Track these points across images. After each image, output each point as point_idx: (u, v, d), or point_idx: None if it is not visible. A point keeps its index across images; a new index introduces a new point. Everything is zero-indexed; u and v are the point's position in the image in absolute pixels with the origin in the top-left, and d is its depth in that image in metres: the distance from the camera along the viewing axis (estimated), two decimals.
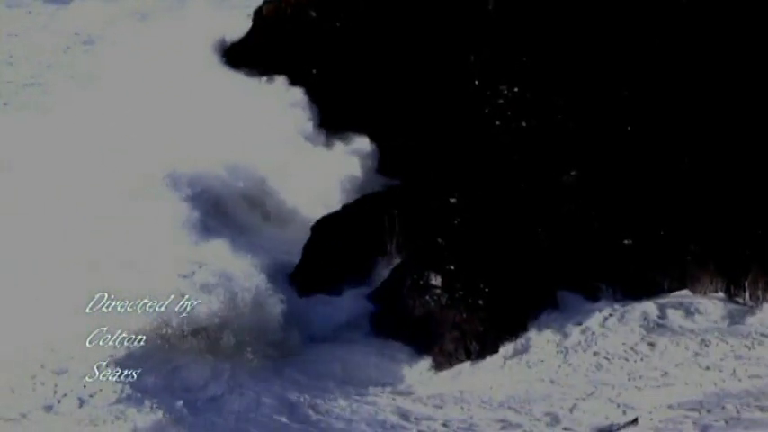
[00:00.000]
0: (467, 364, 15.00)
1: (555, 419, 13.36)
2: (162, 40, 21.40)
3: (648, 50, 17.18)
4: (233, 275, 15.05)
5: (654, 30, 17.28)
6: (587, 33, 17.27)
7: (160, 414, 12.66)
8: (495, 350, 15.11)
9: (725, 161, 16.47)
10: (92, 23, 31.75)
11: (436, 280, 15.67)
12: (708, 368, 14.04)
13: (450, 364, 15.04)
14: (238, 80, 19.53)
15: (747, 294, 15.77)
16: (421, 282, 15.72)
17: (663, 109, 16.81)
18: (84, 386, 13.04)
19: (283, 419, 13.43)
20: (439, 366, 15.03)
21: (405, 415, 13.71)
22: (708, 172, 16.46)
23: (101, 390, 13.04)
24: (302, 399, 13.89)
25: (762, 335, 14.62)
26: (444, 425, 13.43)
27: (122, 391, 12.98)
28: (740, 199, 16.23)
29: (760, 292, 15.78)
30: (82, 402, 12.86)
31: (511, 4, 17.54)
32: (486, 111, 17.39)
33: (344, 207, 17.28)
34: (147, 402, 12.84)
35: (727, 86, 16.73)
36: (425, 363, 15.12)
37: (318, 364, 14.83)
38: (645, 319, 15.37)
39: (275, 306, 14.95)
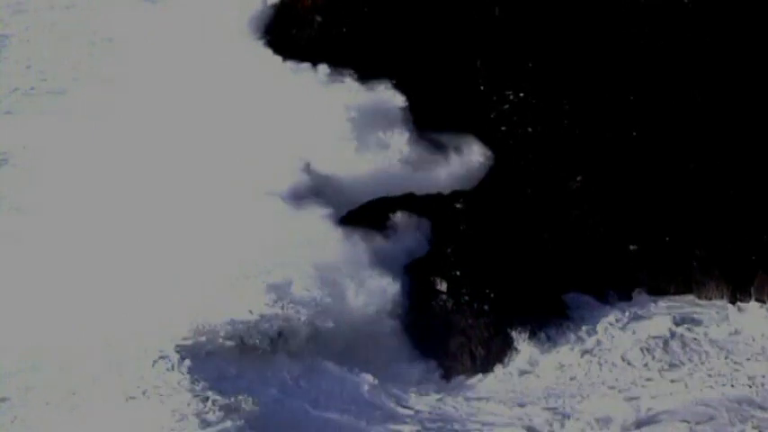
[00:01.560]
0: (470, 366, 15.05)
1: (556, 420, 13.39)
2: (191, 24, 20.32)
3: (654, 56, 17.18)
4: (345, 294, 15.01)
5: (659, 36, 17.28)
6: (593, 39, 17.28)
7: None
8: (501, 355, 15.14)
9: (730, 167, 16.47)
10: (110, 19, 30.00)
11: (442, 285, 15.67)
12: (706, 376, 14.06)
13: (457, 370, 15.06)
14: (301, 72, 18.31)
15: (753, 299, 15.75)
16: (427, 287, 15.74)
17: (668, 115, 16.81)
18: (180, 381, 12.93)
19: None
20: (446, 371, 15.04)
21: (398, 404, 13.80)
22: (713, 178, 16.45)
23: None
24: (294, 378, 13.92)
25: (762, 347, 14.60)
26: (437, 415, 13.54)
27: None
28: (745, 204, 16.22)
29: (766, 297, 15.76)
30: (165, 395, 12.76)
31: (517, 11, 17.56)
32: (492, 116, 17.40)
33: (350, 212, 17.26)
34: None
35: (731, 93, 16.72)
36: (432, 366, 15.13)
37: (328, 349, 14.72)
38: (649, 325, 15.36)
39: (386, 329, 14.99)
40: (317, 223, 16.02)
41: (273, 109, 18.05)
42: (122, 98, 20.18)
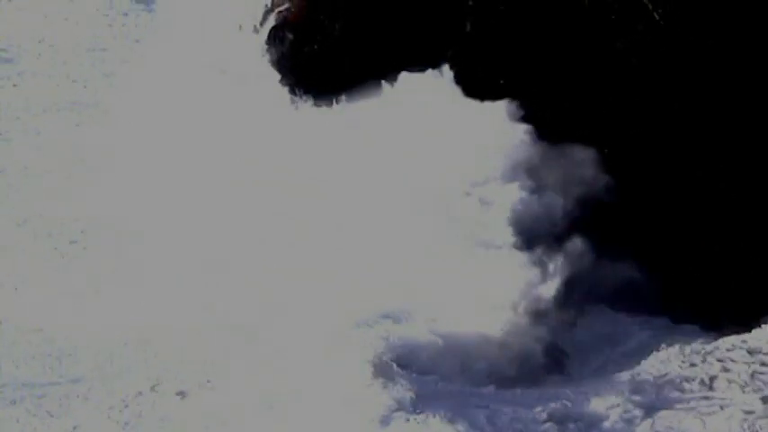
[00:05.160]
0: None
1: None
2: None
3: (623, 70, 17.22)
4: None
5: (630, 49, 17.32)
6: (565, 54, 17.29)
7: None
8: None
9: (698, 182, 16.62)
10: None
11: None
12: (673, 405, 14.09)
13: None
14: None
15: (725, 322, 15.95)
16: None
17: (636, 131, 16.91)
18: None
19: None
20: None
21: None
22: (681, 193, 16.61)
23: None
24: None
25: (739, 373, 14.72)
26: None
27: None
28: (715, 221, 16.40)
29: (733, 316, 15.98)
30: None
31: (489, 25, 17.53)
32: None
33: None
34: None
35: (696, 109, 16.78)
36: None
37: None
38: (618, 347, 15.69)
39: None
40: None
41: None
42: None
